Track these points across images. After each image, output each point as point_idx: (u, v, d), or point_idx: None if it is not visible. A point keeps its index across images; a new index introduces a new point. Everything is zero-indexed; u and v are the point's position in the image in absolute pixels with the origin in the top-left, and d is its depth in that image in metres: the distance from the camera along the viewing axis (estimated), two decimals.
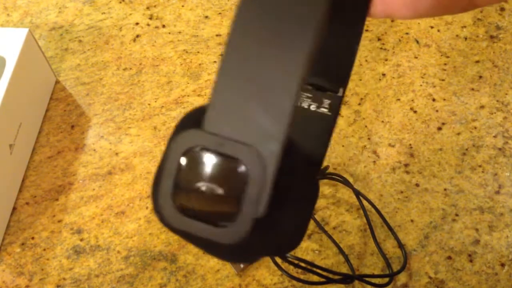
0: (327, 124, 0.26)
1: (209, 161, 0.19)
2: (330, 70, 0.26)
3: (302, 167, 0.22)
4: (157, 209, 0.20)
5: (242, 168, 0.19)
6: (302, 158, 0.21)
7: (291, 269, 0.43)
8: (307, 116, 0.26)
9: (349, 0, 0.23)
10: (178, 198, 0.20)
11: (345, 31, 0.24)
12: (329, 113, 0.26)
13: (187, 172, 0.19)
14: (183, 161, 0.19)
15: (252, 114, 0.19)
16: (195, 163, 0.19)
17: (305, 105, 0.26)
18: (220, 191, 0.19)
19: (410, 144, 0.50)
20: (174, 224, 0.20)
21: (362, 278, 0.42)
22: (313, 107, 0.26)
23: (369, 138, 0.50)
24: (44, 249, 0.46)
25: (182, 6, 0.60)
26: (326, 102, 0.26)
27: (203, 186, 0.19)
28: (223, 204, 0.20)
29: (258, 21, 0.19)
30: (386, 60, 0.55)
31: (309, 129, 0.26)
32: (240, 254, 0.22)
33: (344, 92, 0.26)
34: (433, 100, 0.53)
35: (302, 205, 0.22)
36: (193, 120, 0.20)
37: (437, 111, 0.52)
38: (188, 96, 0.54)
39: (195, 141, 0.19)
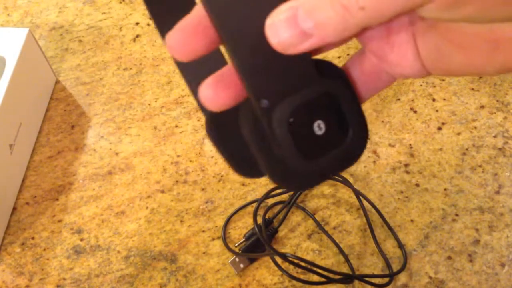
0: None
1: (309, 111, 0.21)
2: None
3: None
4: (288, 178, 0.21)
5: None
6: None
7: (291, 269, 0.43)
8: None
9: None
10: (304, 155, 0.21)
11: None
12: None
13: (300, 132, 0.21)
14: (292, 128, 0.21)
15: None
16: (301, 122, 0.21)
17: None
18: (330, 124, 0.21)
19: (410, 144, 0.50)
20: (314, 174, 0.21)
21: (362, 278, 0.42)
22: None
23: (369, 138, 0.50)
24: (44, 249, 0.46)
25: None
26: None
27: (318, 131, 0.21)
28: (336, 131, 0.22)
29: None
30: None
31: None
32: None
33: None
34: (433, 100, 0.53)
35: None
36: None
37: (437, 111, 0.52)
38: (188, 96, 0.54)
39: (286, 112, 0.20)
